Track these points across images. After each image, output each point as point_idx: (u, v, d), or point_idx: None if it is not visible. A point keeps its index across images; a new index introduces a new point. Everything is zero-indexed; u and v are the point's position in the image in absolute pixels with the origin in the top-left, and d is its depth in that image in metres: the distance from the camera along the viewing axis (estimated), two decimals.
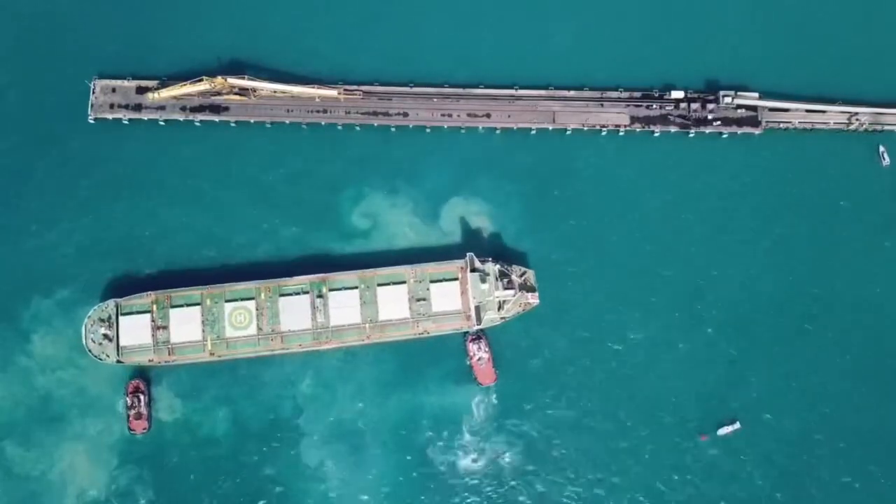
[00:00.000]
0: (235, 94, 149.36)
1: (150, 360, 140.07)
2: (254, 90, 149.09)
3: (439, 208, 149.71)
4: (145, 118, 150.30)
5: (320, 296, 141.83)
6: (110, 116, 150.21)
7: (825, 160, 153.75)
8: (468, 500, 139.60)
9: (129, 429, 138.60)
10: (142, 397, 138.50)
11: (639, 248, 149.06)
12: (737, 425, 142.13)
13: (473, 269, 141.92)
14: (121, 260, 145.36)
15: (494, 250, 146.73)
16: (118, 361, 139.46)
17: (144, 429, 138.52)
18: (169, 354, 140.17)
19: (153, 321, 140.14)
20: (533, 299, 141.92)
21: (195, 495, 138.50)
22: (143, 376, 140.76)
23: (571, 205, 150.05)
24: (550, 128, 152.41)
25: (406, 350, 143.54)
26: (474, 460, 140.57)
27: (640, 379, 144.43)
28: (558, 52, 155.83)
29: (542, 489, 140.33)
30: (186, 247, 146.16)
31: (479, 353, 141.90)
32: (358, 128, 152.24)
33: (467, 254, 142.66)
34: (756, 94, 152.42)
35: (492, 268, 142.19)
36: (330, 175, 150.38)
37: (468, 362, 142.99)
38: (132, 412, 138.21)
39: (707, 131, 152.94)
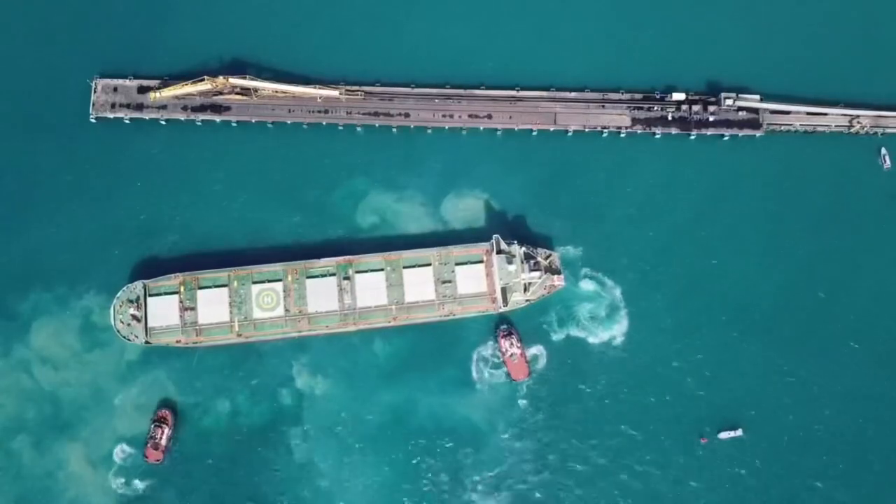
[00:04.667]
0: (237, 93, 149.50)
1: (177, 342, 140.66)
2: (255, 90, 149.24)
3: (451, 199, 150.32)
4: (147, 118, 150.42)
5: (347, 278, 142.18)
6: (111, 116, 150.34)
7: (826, 163, 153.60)
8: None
9: (144, 455, 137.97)
10: (165, 429, 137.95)
11: (638, 250, 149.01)
12: (739, 431, 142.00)
13: (499, 251, 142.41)
14: (134, 251, 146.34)
15: (515, 236, 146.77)
16: (146, 342, 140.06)
17: (158, 460, 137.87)
18: (196, 336, 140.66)
19: (181, 302, 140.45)
20: (558, 281, 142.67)
21: (198, 490, 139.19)
22: (172, 407, 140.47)
23: (576, 203, 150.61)
24: (552, 129, 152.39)
25: (430, 343, 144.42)
26: (484, 457, 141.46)
27: (644, 379, 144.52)
28: (560, 53, 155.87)
29: (543, 486, 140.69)
30: (194, 243, 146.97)
31: (511, 349, 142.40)
32: (359, 128, 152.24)
33: (493, 236, 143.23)
34: (757, 97, 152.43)
35: (517, 250, 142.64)
36: (337, 172, 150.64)
37: (500, 358, 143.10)
38: (150, 441, 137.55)
39: (708, 133, 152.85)
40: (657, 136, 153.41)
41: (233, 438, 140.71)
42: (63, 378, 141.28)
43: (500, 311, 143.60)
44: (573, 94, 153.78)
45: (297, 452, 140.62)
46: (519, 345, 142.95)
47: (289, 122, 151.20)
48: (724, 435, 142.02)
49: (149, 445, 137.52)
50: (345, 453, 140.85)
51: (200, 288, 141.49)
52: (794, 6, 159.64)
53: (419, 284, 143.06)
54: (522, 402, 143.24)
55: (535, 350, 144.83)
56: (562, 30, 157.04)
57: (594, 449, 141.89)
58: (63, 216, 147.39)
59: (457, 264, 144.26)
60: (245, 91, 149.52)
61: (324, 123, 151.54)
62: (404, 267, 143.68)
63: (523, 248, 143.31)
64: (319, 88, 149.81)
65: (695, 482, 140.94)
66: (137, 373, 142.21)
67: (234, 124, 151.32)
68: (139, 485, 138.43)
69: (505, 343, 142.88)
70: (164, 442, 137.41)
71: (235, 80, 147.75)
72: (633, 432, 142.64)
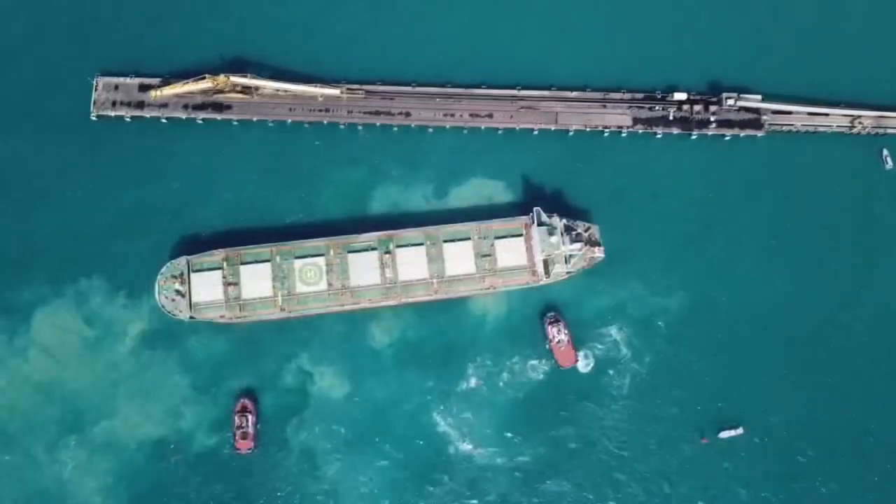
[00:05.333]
0: (238, 92, 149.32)
1: (221, 317, 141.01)
2: (256, 88, 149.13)
3: (455, 196, 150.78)
4: (147, 116, 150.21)
5: (388, 252, 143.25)
6: (112, 114, 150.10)
7: (828, 163, 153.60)
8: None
9: (235, 448, 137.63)
10: (249, 417, 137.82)
11: (638, 250, 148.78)
12: (740, 430, 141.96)
13: (540, 223, 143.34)
14: (132, 248, 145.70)
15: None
16: (191, 318, 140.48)
17: (250, 448, 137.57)
18: (240, 311, 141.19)
19: (224, 278, 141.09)
20: (599, 253, 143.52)
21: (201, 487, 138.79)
22: (251, 395, 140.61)
23: (576, 203, 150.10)
24: (553, 128, 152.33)
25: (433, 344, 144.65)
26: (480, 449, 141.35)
27: (643, 379, 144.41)
28: (561, 53, 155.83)
29: (541, 487, 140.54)
30: (195, 241, 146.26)
31: (558, 336, 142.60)
32: (360, 127, 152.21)
33: (533, 208, 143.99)
34: (759, 97, 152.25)
35: (558, 222, 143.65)
36: (344, 169, 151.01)
37: (547, 346, 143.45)
38: (239, 432, 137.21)
39: (709, 133, 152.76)
40: (658, 136, 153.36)
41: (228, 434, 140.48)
42: (63, 374, 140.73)
43: (541, 283, 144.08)
44: (574, 94, 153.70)
45: (297, 451, 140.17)
46: (566, 331, 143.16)
47: (290, 120, 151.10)
48: (724, 434, 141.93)
49: (237, 436, 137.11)
50: (347, 452, 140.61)
51: (243, 263, 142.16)
52: (796, 6, 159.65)
53: (459, 258, 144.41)
54: (522, 404, 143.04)
55: (538, 353, 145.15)
56: (563, 29, 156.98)
57: (594, 450, 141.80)
58: (64, 213, 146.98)
59: (496, 238, 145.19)
60: (246, 89, 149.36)
61: (325, 122, 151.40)
62: (444, 241, 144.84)
63: (563, 221, 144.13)
64: (320, 87, 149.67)
65: (696, 482, 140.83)
66: (137, 368, 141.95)
67: (234, 123, 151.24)
68: (150, 482, 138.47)
69: (552, 330, 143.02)
70: (251, 430, 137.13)
71: (236, 79, 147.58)
72: (633, 433, 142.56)
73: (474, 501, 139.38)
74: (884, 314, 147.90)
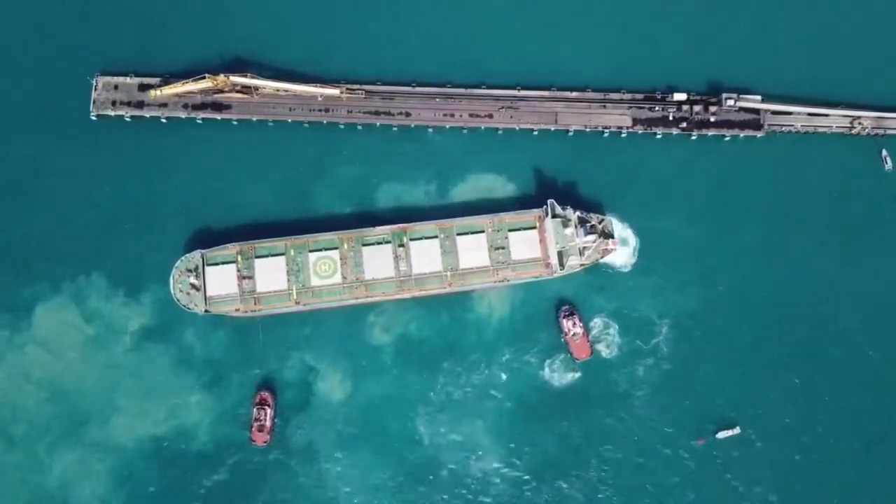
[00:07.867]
0: (238, 92, 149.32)
1: (236, 310, 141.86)
2: (256, 88, 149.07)
3: (456, 193, 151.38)
4: (147, 115, 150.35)
5: (402, 245, 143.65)
6: (112, 113, 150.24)
7: (827, 164, 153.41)
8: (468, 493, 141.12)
9: (251, 440, 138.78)
10: (268, 410, 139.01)
11: (638, 251, 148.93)
12: (736, 430, 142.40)
13: (555, 216, 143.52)
14: (131, 246, 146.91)
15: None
16: (206, 311, 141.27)
17: (265, 442, 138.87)
18: (255, 304, 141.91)
19: (238, 271, 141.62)
20: (612, 245, 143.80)
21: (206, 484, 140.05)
22: (270, 388, 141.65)
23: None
24: (553, 129, 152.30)
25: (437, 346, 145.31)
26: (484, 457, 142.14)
27: (641, 380, 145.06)
28: (561, 53, 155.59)
29: (541, 488, 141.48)
30: (198, 241, 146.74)
31: (573, 329, 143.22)
32: (360, 127, 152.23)
33: (548, 200, 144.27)
34: (759, 97, 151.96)
35: (572, 214, 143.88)
36: (346, 169, 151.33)
37: (563, 339, 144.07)
38: (256, 424, 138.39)
39: (709, 134, 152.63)
40: (658, 137, 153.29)
41: (228, 431, 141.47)
42: (57, 372, 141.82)
43: (555, 275, 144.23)
44: (574, 94, 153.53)
45: (307, 447, 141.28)
46: (581, 324, 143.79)
47: (289, 120, 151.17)
48: (721, 434, 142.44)
49: (254, 429, 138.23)
50: (352, 449, 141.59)
51: (257, 257, 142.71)
52: (796, 6, 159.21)
53: (473, 251, 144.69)
54: (520, 405, 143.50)
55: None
56: (563, 30, 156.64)
57: (591, 451, 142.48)
58: (65, 213, 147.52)
59: (510, 230, 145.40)
60: (246, 89, 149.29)
61: (324, 122, 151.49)
62: (458, 234, 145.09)
63: (577, 213, 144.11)
64: (320, 87, 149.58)
65: (694, 482, 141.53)
66: (135, 367, 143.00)
67: (234, 123, 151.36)
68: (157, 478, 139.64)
69: (567, 323, 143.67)
70: (268, 423, 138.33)
71: (236, 79, 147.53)
72: (632, 433, 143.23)
73: (482, 499, 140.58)
74: (883, 314, 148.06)
